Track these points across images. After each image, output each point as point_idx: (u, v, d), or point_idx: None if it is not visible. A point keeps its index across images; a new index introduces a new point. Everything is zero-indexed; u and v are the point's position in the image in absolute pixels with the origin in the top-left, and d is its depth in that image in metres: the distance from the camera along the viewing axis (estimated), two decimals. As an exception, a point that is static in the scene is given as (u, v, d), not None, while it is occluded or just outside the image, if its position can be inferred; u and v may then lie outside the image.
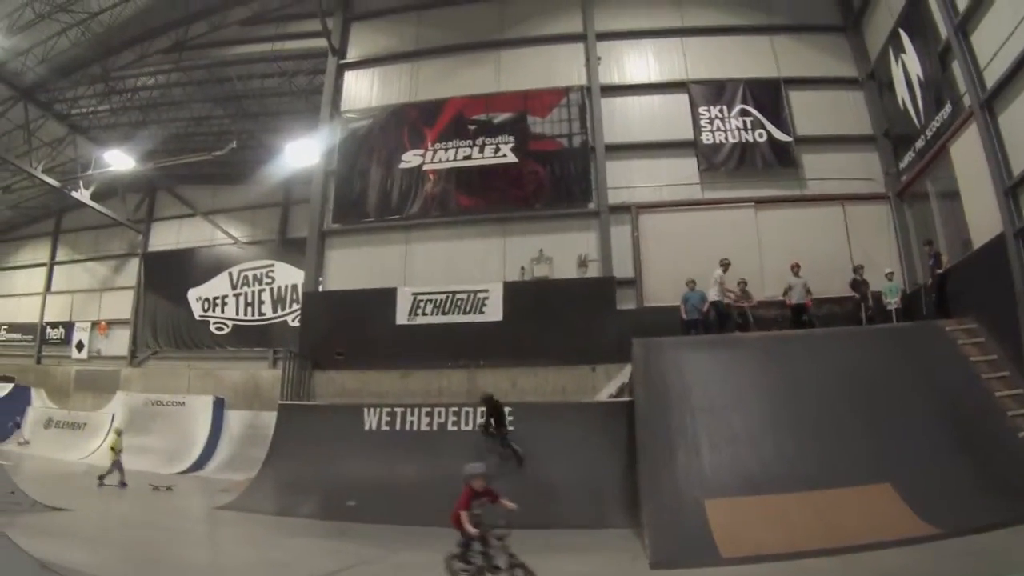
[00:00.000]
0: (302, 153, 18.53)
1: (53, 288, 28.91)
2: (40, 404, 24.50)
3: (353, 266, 14.77)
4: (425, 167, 14.82)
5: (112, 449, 14.43)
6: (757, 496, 7.90)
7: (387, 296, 14.01)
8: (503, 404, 11.78)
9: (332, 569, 7.01)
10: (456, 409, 11.98)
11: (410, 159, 14.93)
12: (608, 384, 12.30)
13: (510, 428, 11.27)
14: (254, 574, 7.22)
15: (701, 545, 7.31)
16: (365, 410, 12.40)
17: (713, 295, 12.21)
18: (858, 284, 12.42)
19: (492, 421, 11.58)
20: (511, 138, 14.56)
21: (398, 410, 12.25)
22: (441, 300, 13.84)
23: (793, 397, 9.30)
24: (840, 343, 10.45)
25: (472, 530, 5.71)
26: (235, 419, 19.98)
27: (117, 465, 14.03)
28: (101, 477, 13.86)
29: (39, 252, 29.75)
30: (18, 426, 22.43)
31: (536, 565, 6.01)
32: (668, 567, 6.97)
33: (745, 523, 7.52)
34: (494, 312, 13.45)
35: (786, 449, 8.51)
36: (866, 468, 7.94)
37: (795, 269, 12.47)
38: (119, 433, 15.14)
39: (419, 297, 13.92)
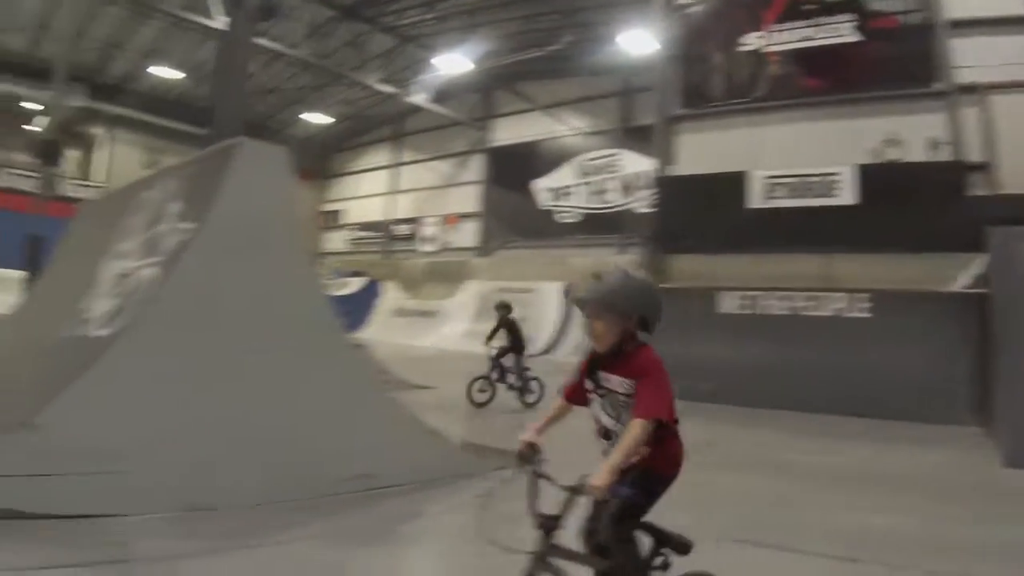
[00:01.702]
0: (636, 41, 19.77)
1: (399, 187, 33.56)
2: (392, 295, 29.11)
3: (701, 151, 15.61)
4: (765, 49, 15.16)
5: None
6: None
7: (736, 180, 14.71)
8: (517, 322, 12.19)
9: (690, 446, 8.40)
10: (810, 294, 12.59)
11: (749, 41, 15.31)
12: (960, 274, 12.12)
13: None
14: None
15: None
16: (718, 294, 13.48)
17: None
18: None
19: (508, 345, 11.68)
20: (850, 16, 14.51)
21: (751, 294, 13.18)
22: (792, 183, 14.30)
23: None
24: None
25: None
26: None
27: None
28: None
29: (382, 156, 34.58)
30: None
31: (871, 455, 7.12)
32: (1024, 467, 7.04)
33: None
34: (846, 195, 13.64)
35: None
36: None
37: None
38: None
39: (770, 180, 14.51)
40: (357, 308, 26.20)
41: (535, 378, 11.56)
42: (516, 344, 11.71)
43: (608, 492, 2.47)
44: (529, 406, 11.05)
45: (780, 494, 5.98)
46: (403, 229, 33.26)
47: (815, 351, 11.82)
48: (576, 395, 2.94)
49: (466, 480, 5.67)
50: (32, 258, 18.19)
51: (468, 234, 30.01)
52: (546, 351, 20.98)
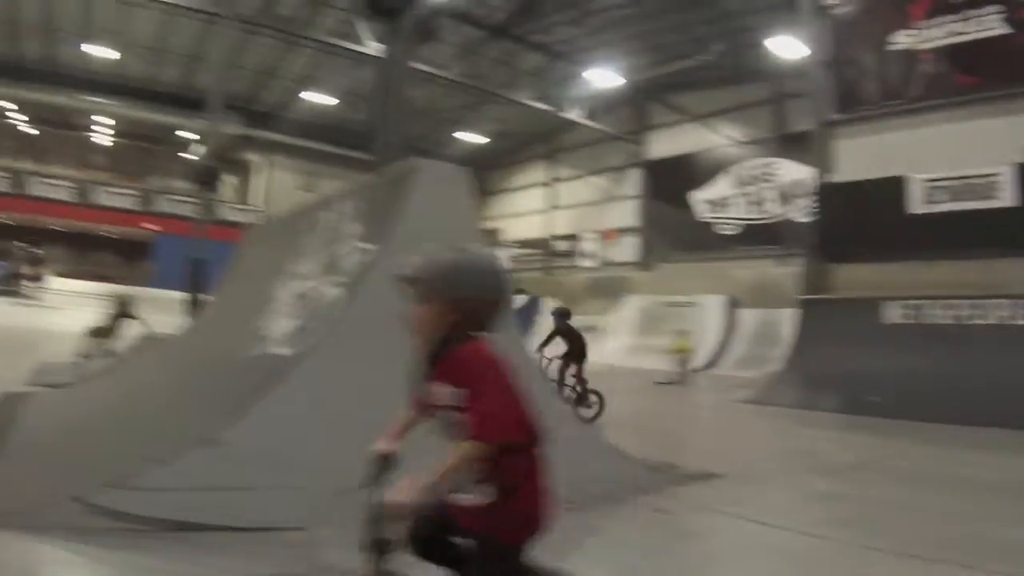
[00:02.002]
0: (785, 46, 19.54)
1: (557, 204, 34.12)
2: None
3: (858, 156, 15.30)
4: (916, 47, 14.70)
5: (676, 350, 17.20)
6: None
7: (896, 184, 14.37)
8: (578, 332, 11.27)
9: (859, 461, 7.81)
10: (973, 302, 12.05)
11: (900, 40, 14.89)
12: None
13: None
14: (780, 459, 8.11)
15: None
16: (882, 303, 13.09)
17: None
18: None
19: (565, 354, 10.86)
20: (997, 8, 13.77)
21: (914, 303, 12.74)
22: (952, 186, 13.80)
23: None
24: None
25: None
26: (746, 317, 22.12)
27: (680, 363, 16.91)
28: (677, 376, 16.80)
29: (538, 173, 35.23)
30: None
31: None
32: None
33: None
34: (1006, 197, 13.11)
35: None
36: None
37: None
38: (682, 335, 17.70)
39: (929, 184, 14.06)
40: (520, 325, 26.56)
41: (595, 391, 10.65)
42: (574, 352, 10.97)
43: (404, 512, 1.93)
44: (587, 421, 9.64)
45: (953, 509, 5.77)
46: (562, 245, 33.73)
47: (981, 361, 11.36)
48: (422, 406, 2.28)
49: (644, 495, 5.54)
50: (194, 280, 19.48)
51: (628, 248, 30.13)
52: (709, 365, 20.90)
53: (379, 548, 2.07)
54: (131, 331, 12.21)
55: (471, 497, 2.07)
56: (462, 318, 2.11)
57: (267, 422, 4.79)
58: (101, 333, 11.83)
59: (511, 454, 2.00)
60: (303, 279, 6.93)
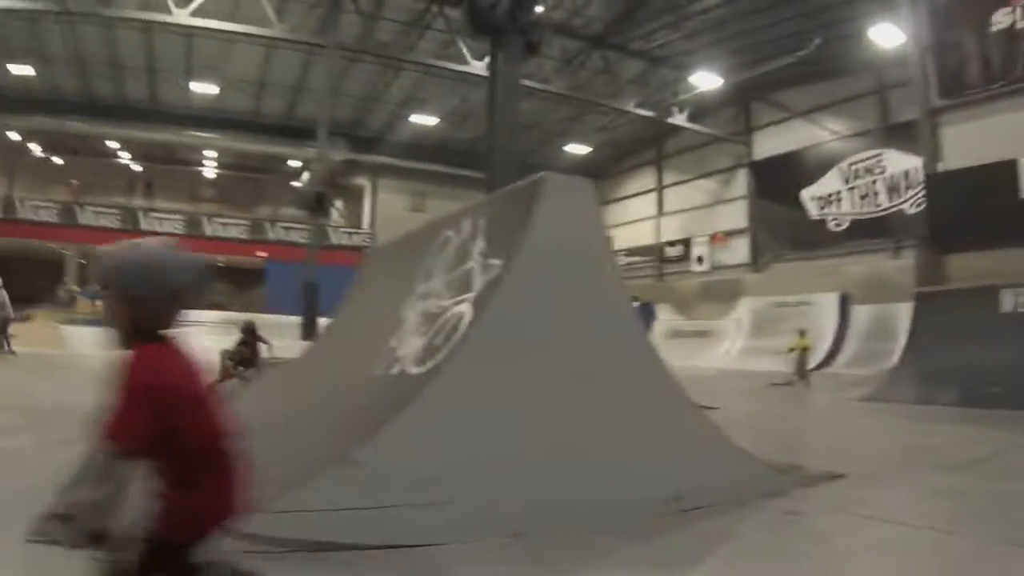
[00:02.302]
0: (885, 35, 19.42)
1: (665, 209, 34.22)
2: (665, 317, 29.69)
3: (966, 142, 15.03)
4: (1018, 25, 14.37)
5: (794, 350, 16.99)
6: None
7: (1006, 169, 14.10)
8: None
9: (983, 455, 7.58)
10: None
11: (1000, 20, 14.62)
12: None
13: None
14: (902, 457, 7.97)
15: None
16: (1000, 291, 12.73)
17: None
18: None
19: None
20: None
21: None
22: None
23: None
24: None
25: None
26: (860, 313, 21.78)
27: (799, 364, 16.75)
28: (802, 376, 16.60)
29: (645, 179, 35.39)
30: None
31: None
32: None
33: None
34: None
35: None
36: None
37: None
38: (802, 334, 17.40)
39: None
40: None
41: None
42: None
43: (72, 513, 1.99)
44: None
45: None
46: (673, 251, 33.74)
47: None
48: None
49: (774, 499, 5.47)
50: (308, 304, 20.43)
51: (739, 251, 29.95)
52: (823, 364, 20.70)
53: (96, 540, 2.02)
54: (261, 355, 12.95)
55: (146, 500, 2.12)
56: (135, 314, 2.10)
57: (401, 440, 4.85)
58: (234, 358, 12.60)
59: (181, 456, 2.07)
60: (430, 298, 7.00)
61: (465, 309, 6.16)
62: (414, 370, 6.08)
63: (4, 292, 19.33)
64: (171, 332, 2.18)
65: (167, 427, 2.00)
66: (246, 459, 2.30)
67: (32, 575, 3.43)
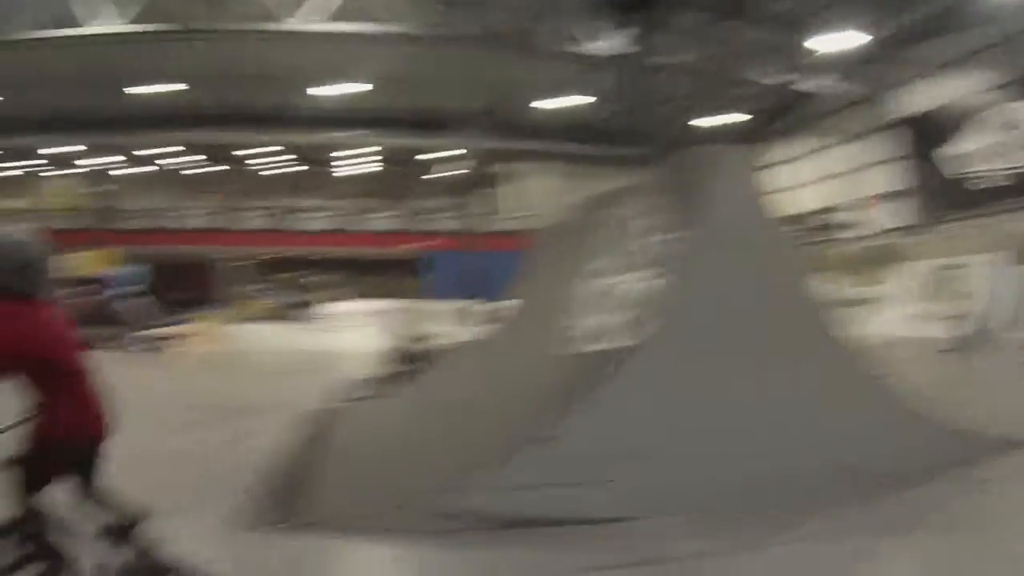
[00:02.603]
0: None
1: (814, 176, 33.49)
2: (822, 286, 28.99)
3: None
4: None
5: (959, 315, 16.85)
6: None
7: None
8: None
9: None
10: None
11: None
12: None
13: None
14: None
15: None
16: None
17: None
18: None
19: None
20: None
21: None
22: None
23: None
24: None
25: None
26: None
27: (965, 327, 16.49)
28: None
29: (789, 148, 34.52)
30: None
31: None
32: None
33: None
34: None
35: None
36: None
37: None
38: (965, 296, 17.58)
39: None
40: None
41: None
42: None
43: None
44: None
45: None
46: (825, 218, 32.86)
47: None
48: None
49: (964, 468, 5.44)
50: (472, 289, 21.37)
51: (896, 214, 28.94)
52: (990, 327, 19.93)
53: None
54: (430, 342, 13.27)
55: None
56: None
57: (594, 417, 4.99)
58: (406, 346, 12.99)
59: (47, 375, 2.68)
60: (604, 276, 7.10)
61: (641, 287, 6.41)
62: (591, 348, 6.43)
63: (151, 296, 21.73)
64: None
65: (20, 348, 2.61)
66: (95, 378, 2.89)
67: None
